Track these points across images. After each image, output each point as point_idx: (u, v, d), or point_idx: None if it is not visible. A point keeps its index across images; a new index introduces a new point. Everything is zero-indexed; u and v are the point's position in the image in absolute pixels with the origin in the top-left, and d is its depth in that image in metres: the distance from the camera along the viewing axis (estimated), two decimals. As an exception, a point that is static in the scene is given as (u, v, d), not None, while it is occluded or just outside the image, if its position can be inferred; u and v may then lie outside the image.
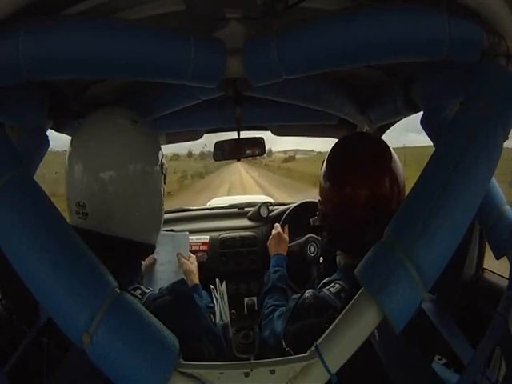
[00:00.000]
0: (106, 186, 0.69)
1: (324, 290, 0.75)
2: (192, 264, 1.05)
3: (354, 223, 0.76)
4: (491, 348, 0.57)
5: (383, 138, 1.22)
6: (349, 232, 0.79)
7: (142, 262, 0.83)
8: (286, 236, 1.25)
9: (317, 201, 0.87)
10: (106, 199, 0.69)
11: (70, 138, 0.74)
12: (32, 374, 0.56)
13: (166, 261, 1.06)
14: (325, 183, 0.82)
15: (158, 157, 0.76)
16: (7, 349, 0.59)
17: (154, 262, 1.04)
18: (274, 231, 1.26)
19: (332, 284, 0.76)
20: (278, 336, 0.87)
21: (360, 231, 0.74)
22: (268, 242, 1.25)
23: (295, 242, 1.34)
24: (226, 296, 1.04)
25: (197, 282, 1.01)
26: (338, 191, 0.79)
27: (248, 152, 1.24)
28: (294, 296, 0.84)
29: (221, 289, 1.05)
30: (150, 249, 0.78)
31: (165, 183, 0.80)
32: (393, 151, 0.80)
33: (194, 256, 1.11)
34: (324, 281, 0.82)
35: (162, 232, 0.82)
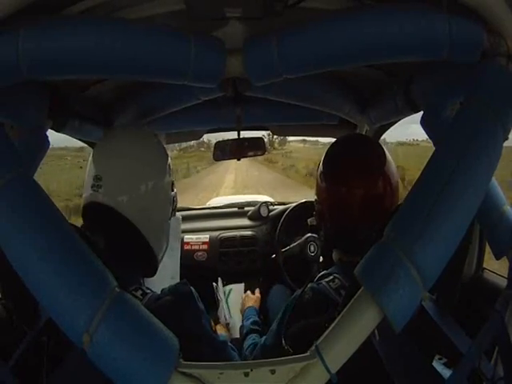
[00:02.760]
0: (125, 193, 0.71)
1: (323, 282, 0.75)
2: None
3: (350, 222, 0.78)
4: (487, 344, 0.56)
5: (386, 133, 1.22)
6: (344, 231, 0.80)
7: None
8: (257, 294, 1.29)
9: None
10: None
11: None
12: (32, 373, 0.56)
13: None
14: (321, 183, 0.84)
15: (170, 166, 0.79)
16: (7, 349, 0.59)
17: None
18: (243, 295, 1.29)
19: (331, 277, 0.76)
20: (274, 338, 0.86)
21: (355, 230, 0.76)
22: (240, 304, 1.27)
23: (295, 243, 1.35)
24: (232, 295, 1.03)
25: None
26: (334, 191, 0.80)
27: (248, 152, 1.24)
28: (294, 295, 0.84)
29: (224, 288, 1.04)
30: (152, 252, 0.76)
31: (173, 190, 0.81)
32: (387, 152, 0.81)
33: None
34: (322, 273, 0.82)
35: None
